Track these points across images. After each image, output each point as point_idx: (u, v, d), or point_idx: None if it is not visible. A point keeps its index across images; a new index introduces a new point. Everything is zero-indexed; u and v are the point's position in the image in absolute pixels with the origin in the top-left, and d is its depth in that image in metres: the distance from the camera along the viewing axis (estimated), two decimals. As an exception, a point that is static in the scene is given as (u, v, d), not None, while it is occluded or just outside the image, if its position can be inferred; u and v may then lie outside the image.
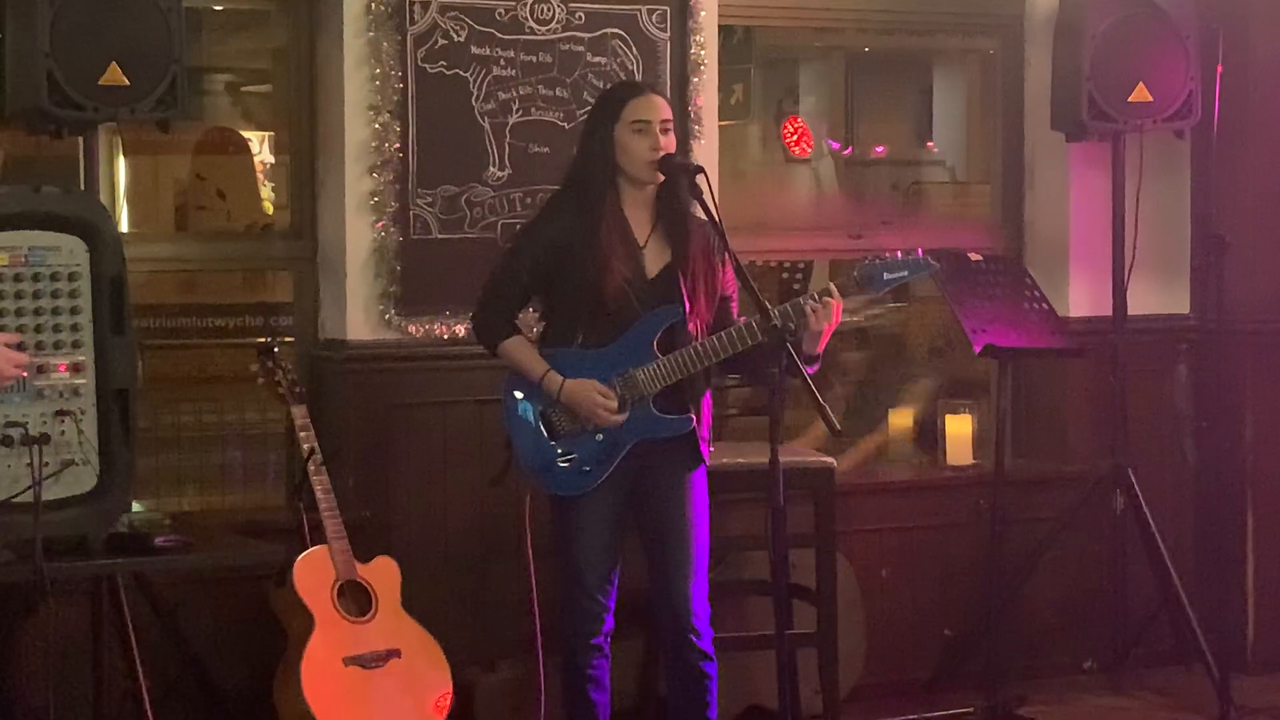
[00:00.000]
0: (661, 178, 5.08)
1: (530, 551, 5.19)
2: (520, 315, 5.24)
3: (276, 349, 5.67)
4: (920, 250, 5.12)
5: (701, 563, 5.14)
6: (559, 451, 5.08)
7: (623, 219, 5.11)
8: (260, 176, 7.78)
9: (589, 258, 5.03)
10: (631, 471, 5.09)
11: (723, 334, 5.02)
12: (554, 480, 5.09)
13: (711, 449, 5.19)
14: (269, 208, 7.52)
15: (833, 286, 5.00)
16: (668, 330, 5.05)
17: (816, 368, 5.00)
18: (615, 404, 5.02)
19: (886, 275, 5.07)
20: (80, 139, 5.39)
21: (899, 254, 5.09)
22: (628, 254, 5.07)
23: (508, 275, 5.17)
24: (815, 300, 4.95)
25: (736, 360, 5.07)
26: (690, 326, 5.07)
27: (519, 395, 5.14)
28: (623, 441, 5.05)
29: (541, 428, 5.09)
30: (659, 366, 5.02)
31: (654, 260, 5.11)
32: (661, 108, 5.11)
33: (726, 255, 5.09)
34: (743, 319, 5.10)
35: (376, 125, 5.99)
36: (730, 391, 6.61)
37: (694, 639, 5.12)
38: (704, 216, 5.03)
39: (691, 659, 5.13)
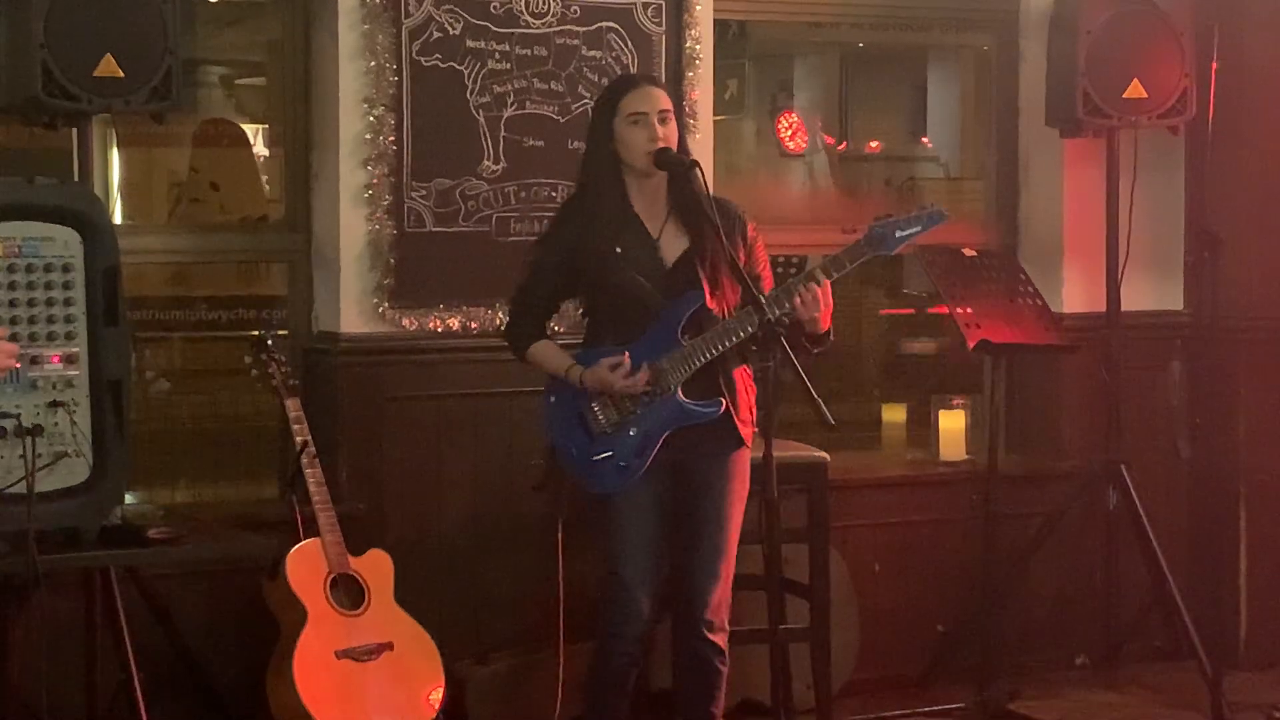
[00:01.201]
0: (658, 171, 5.08)
1: (560, 553, 5.17)
2: (553, 318, 5.26)
3: (270, 342, 5.67)
4: (931, 204, 5.10)
5: (729, 558, 5.14)
6: (595, 450, 5.08)
7: (634, 215, 5.11)
8: (255, 167, 7.78)
9: (604, 259, 5.04)
10: (669, 463, 5.08)
11: (721, 324, 5.02)
12: (593, 479, 5.09)
13: (755, 430, 5.16)
14: (263, 200, 7.52)
15: (818, 271, 4.99)
16: (694, 317, 5.05)
17: (826, 347, 5.00)
18: (628, 366, 5.00)
19: (899, 233, 5.04)
20: (74, 130, 5.38)
21: (910, 212, 5.07)
22: (641, 247, 5.08)
23: (531, 286, 5.21)
24: (803, 289, 4.95)
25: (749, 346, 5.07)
26: (715, 311, 5.06)
27: (554, 399, 5.16)
28: (655, 434, 5.05)
29: (579, 428, 5.10)
30: (678, 356, 5.02)
31: (670, 250, 5.11)
32: (658, 98, 5.10)
33: (746, 237, 5.11)
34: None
35: (371, 118, 5.99)
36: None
37: (707, 632, 5.12)
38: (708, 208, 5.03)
39: (704, 651, 5.13)
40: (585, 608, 5.32)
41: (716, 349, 5.00)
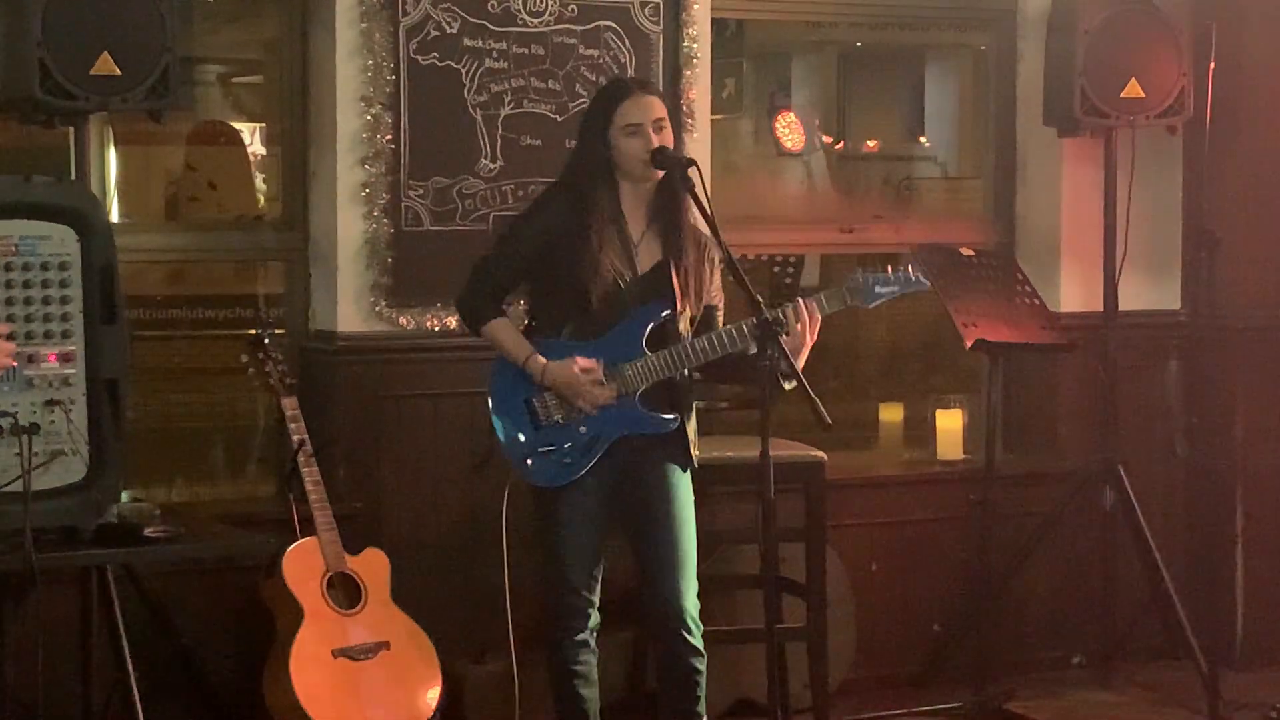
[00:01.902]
0: (659, 174, 5.06)
1: (505, 546, 5.17)
2: (507, 303, 5.23)
3: (267, 340, 5.67)
4: (911, 269, 5.11)
5: (690, 557, 5.13)
6: (539, 441, 5.05)
7: (619, 214, 5.09)
8: (251, 167, 7.76)
9: (582, 251, 5.01)
10: (616, 468, 5.07)
11: (713, 335, 5.00)
12: (534, 470, 5.06)
13: (696, 451, 5.17)
14: (260, 199, 7.51)
15: (813, 303, 4.97)
16: (658, 326, 5.04)
17: (795, 383, 4.95)
18: (600, 375, 4.99)
19: (879, 289, 5.06)
20: (71, 129, 5.38)
21: (890, 271, 5.09)
22: (621, 249, 5.06)
23: (500, 259, 5.15)
24: (793, 311, 4.93)
25: (725, 369, 5.06)
26: (680, 324, 5.05)
27: (502, 382, 5.11)
28: (605, 435, 5.03)
29: (524, 416, 5.07)
30: (648, 362, 5.00)
31: (647, 256, 5.10)
32: (653, 107, 5.07)
33: (715, 264, 5.10)
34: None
35: (368, 116, 5.99)
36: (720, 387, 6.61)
37: (684, 633, 5.09)
38: (696, 210, 5.02)
39: (681, 653, 5.10)
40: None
41: (692, 361, 5.00)
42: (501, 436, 5.11)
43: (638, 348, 5.02)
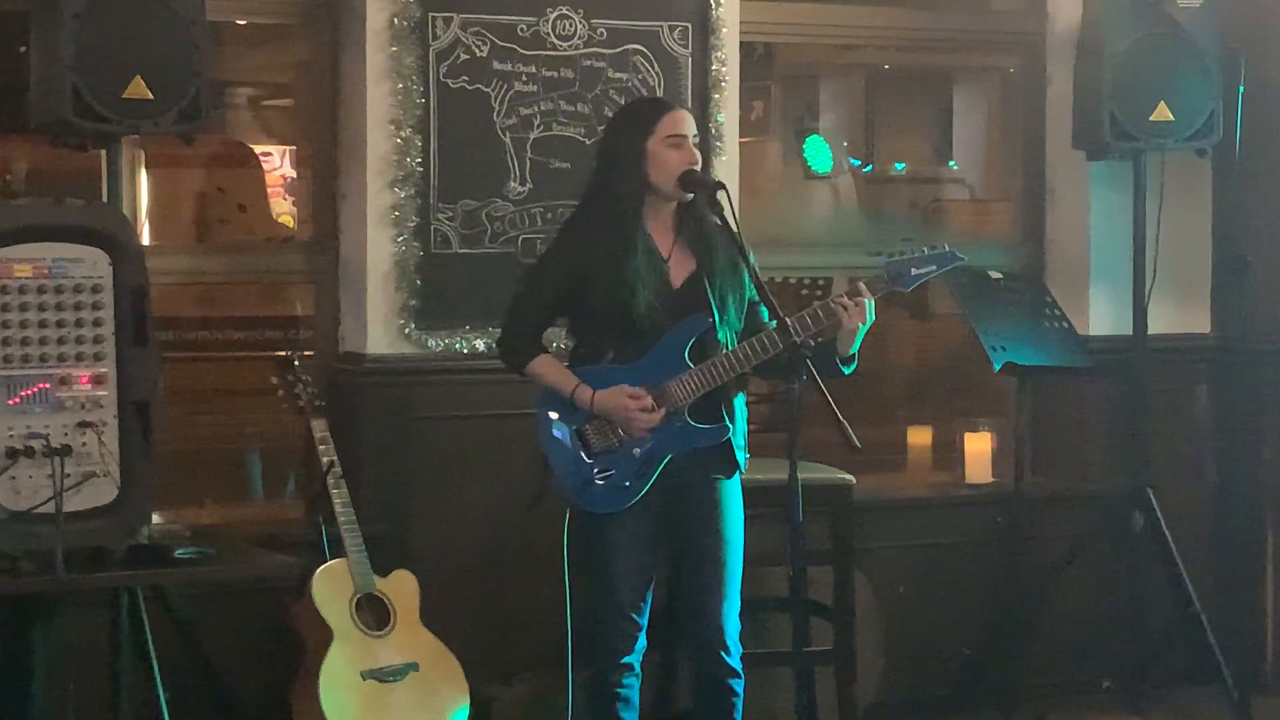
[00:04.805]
0: (689, 195, 5.07)
1: (567, 569, 5.14)
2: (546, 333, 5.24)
3: (296, 362, 5.68)
4: (947, 244, 5.10)
5: (734, 578, 5.12)
6: (596, 468, 5.04)
7: (645, 232, 5.09)
8: (281, 190, 7.81)
9: (617, 275, 4.99)
10: (667, 487, 5.05)
11: (745, 344, 4.99)
12: (592, 498, 5.04)
13: (749, 456, 5.15)
14: (290, 221, 7.55)
15: (862, 285, 4.97)
16: (698, 340, 5.03)
17: (853, 366, 4.98)
18: (649, 401, 4.97)
19: (915, 271, 5.04)
20: (103, 152, 5.41)
21: (926, 249, 5.07)
22: (653, 267, 5.05)
23: (532, 296, 5.15)
24: (847, 300, 4.93)
25: (773, 368, 5.05)
26: (721, 335, 5.05)
27: (553, 415, 5.09)
28: (659, 454, 5.02)
29: (578, 445, 5.06)
30: (692, 376, 4.99)
31: (678, 271, 5.09)
32: (691, 122, 5.10)
33: (753, 272, 5.09)
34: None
35: (398, 139, 6.00)
36: (749, 408, 6.60)
37: (724, 655, 5.09)
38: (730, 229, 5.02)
39: (720, 674, 5.10)
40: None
41: (733, 371, 4.99)
42: (556, 469, 5.09)
43: (680, 364, 5.01)
